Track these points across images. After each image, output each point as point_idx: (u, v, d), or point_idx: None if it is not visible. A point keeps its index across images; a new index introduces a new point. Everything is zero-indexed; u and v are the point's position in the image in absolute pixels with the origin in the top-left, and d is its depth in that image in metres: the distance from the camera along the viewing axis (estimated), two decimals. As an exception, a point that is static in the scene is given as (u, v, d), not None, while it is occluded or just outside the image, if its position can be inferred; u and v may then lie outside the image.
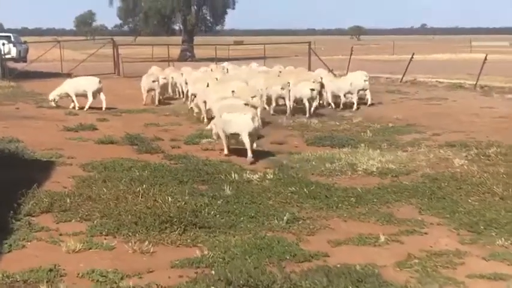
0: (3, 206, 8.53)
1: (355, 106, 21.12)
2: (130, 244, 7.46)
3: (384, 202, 9.56)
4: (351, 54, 35.66)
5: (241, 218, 8.59)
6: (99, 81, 21.09)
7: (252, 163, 12.48)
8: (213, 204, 9.18)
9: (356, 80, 21.69)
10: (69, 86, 21.18)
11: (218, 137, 13.74)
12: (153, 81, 23.27)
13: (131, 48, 61.28)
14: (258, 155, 13.36)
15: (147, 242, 7.54)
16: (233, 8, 67.29)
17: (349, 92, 21.51)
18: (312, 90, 19.25)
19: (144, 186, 10.01)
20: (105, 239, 7.77)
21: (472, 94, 25.58)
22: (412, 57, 31.57)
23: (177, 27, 68.55)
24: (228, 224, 8.31)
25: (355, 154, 12.89)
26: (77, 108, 20.63)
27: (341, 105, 21.39)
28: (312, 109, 19.55)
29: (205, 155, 13.29)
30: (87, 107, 20.60)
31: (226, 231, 8.07)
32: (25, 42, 54.61)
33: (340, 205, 9.37)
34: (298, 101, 19.77)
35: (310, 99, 19.36)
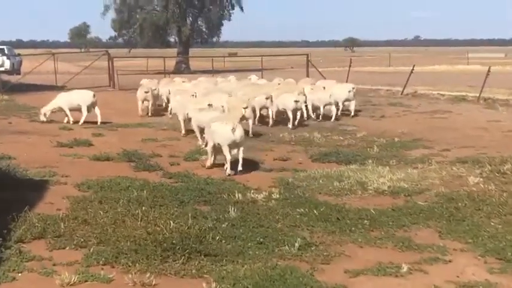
0: (-8, 232, 7.91)
1: (333, 118, 21.09)
2: (130, 276, 6.82)
3: (400, 225, 8.95)
4: (350, 66, 35.08)
5: (249, 244, 7.97)
6: (94, 95, 20.44)
7: (230, 175, 12.28)
8: (217, 228, 8.57)
9: (337, 92, 21.63)
10: (63, 100, 20.50)
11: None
12: (146, 92, 22.78)
13: (126, 61, 60.65)
14: (261, 172, 12.85)
15: (148, 274, 6.91)
16: (229, 20, 66.77)
17: (329, 104, 21.35)
18: (296, 101, 19.32)
19: (143, 208, 9.43)
20: (102, 269, 7.12)
21: (476, 107, 25.00)
22: (412, 70, 31.01)
23: (172, 39, 67.96)
24: (236, 251, 7.69)
25: (363, 171, 12.29)
26: (71, 122, 20.00)
27: (320, 117, 21.34)
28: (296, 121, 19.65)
29: (206, 173, 12.67)
30: (81, 121, 19.97)
31: (234, 259, 7.45)
32: (19, 54, 54.07)
33: (353, 229, 8.75)
34: (282, 112, 20.03)
35: (294, 111, 19.39)
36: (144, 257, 7.33)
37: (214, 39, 68.97)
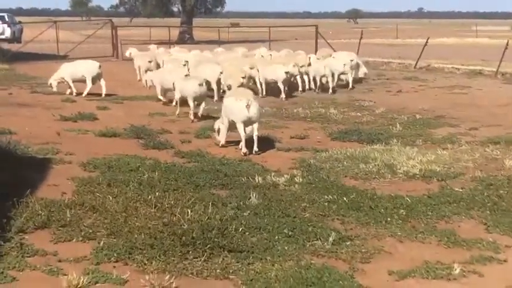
0: (-11, 221, 7.07)
1: (330, 90, 20.64)
2: (147, 277, 5.97)
3: (440, 215, 8.10)
4: (361, 38, 34.05)
5: (276, 237, 7.12)
6: (99, 66, 19.45)
7: (245, 154, 11.50)
8: (239, 217, 7.73)
9: (333, 64, 21.08)
10: (66, 70, 19.51)
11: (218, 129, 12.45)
12: (149, 62, 21.92)
13: (128, 30, 59.37)
14: (278, 151, 12.01)
15: (167, 274, 6.07)
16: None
17: (324, 75, 20.98)
18: (286, 72, 19.14)
19: (157, 192, 8.57)
20: (114, 267, 6.28)
21: (494, 82, 24.09)
22: (426, 42, 30.04)
23: (175, 9, 66.70)
24: (262, 246, 6.84)
25: (390, 152, 11.42)
26: (74, 94, 19.07)
27: (316, 89, 21.12)
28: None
29: (220, 152, 11.82)
30: (85, 93, 19.03)
31: (262, 256, 6.60)
32: (19, 22, 53.01)
33: (389, 219, 7.90)
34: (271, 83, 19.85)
35: (284, 82, 19.28)
36: (161, 253, 6.49)
37: (219, 9, 67.69)
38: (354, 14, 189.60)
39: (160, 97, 17.91)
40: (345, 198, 8.60)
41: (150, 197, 8.35)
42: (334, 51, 29.06)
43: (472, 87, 22.05)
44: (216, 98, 18.09)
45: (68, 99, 18.27)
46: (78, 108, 16.39)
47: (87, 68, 19.35)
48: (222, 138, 12.35)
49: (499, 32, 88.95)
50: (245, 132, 11.73)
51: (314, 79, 21.32)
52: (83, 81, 19.20)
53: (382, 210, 8.21)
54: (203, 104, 15.38)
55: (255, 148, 11.75)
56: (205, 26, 64.30)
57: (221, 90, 18.22)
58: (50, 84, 19.41)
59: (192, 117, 15.13)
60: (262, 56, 24.30)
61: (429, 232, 7.47)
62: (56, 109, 16.13)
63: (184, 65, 19.61)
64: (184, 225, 7.14)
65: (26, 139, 12.02)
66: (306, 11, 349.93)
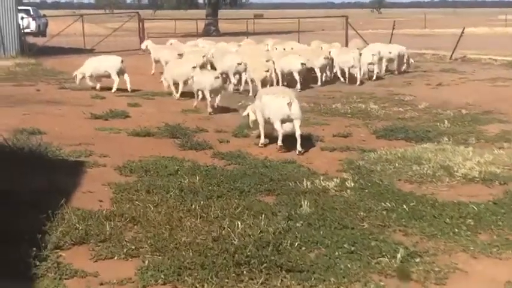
0: (22, 236, 6.45)
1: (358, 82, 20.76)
2: (201, 304, 5.33)
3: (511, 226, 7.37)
4: (393, 28, 33.19)
5: (337, 253, 6.43)
6: (122, 61, 18.88)
7: (281, 148, 11.19)
8: (292, 229, 7.06)
9: (341, 56, 21.37)
10: (90, 65, 18.97)
11: (255, 125, 11.98)
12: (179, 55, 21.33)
13: (152, 22, 58.80)
14: (323, 151, 11.35)
15: (223, 300, 5.42)
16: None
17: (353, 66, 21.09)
18: (303, 64, 19.21)
19: (200, 200, 7.93)
20: (162, 291, 5.65)
21: (539, 74, 23.12)
22: (462, 32, 29.14)
23: (201, 1, 65.93)
24: (323, 265, 6.15)
25: (443, 152, 10.68)
26: (98, 88, 18.53)
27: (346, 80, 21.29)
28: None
29: (261, 152, 11.18)
30: (114, 88, 18.46)
31: (324, 276, 5.92)
32: (44, 15, 52.70)
33: (457, 230, 7.19)
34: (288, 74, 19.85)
35: (300, 73, 19.30)
36: (213, 274, 5.83)
37: (244, 0, 66.84)
38: (378, 4, 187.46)
39: (174, 91, 17.72)
40: (404, 206, 7.89)
41: (193, 205, 7.72)
42: (366, 42, 28.38)
43: (515, 79, 21.14)
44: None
45: (97, 95, 17.69)
46: (109, 105, 15.79)
47: (109, 63, 18.88)
48: (261, 139, 11.77)
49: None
50: (283, 129, 11.21)
51: (342, 70, 21.41)
52: (106, 76, 18.63)
53: (448, 219, 7.49)
54: (219, 96, 15.45)
55: (299, 148, 11.11)
56: (228, 18, 63.55)
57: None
58: (75, 76, 18.99)
59: (209, 109, 15.26)
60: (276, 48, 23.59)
61: (505, 246, 6.75)
62: (86, 107, 15.55)
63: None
64: (235, 240, 6.49)
65: (56, 140, 11.39)
66: (329, 1, 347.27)
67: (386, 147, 11.32)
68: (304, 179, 9.14)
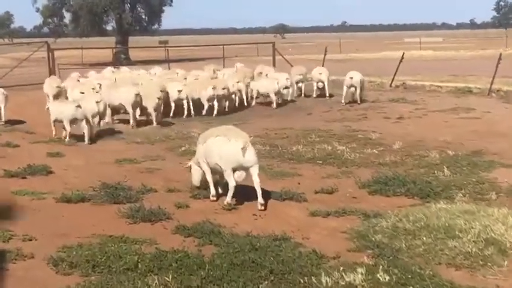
0: None
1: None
2: None
3: None
4: (325, 54, 31.26)
5: None
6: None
7: (229, 205, 9.34)
8: None
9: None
10: None
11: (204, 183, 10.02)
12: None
13: (60, 51, 55.11)
14: (314, 218, 8.92)
15: None
16: (170, 5, 61.91)
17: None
18: (179, 91, 19.12)
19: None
20: None
21: (493, 101, 21.44)
22: (402, 57, 27.40)
23: (109, 28, 62.72)
24: None
25: (472, 216, 8.33)
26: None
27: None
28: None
29: (235, 222, 8.62)
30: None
31: None
32: None
33: None
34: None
35: (177, 101, 19.23)
36: None
37: (155, 27, 63.97)
38: (282, 29, 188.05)
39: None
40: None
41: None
42: (292, 66, 26.57)
43: (476, 109, 19.25)
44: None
45: (8, 143, 14.63)
46: (25, 155, 12.96)
47: None
48: (212, 190, 9.75)
49: (433, 44, 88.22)
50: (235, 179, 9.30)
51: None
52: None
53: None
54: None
55: (260, 200, 9.23)
56: (134, 46, 60.60)
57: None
58: None
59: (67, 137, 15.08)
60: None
61: None
62: (-3, 159, 12.61)
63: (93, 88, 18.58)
64: None
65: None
66: (231, 27, 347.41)
67: (391, 209, 9.00)
68: (315, 269, 6.67)
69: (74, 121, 15.01)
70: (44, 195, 10.01)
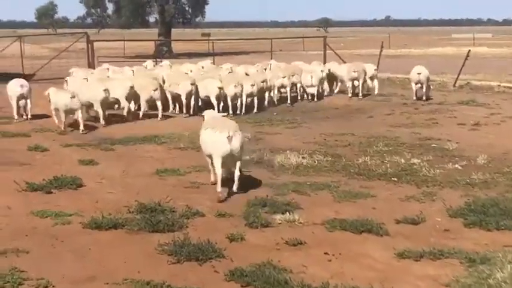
0: None
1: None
2: None
3: None
4: (381, 49, 29.17)
5: None
6: (21, 86, 16.99)
7: (220, 201, 9.17)
8: None
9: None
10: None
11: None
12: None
13: (100, 42, 53.81)
14: (401, 260, 7.05)
15: None
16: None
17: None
18: (220, 88, 17.76)
19: None
20: None
21: None
22: (468, 55, 25.28)
23: (152, 19, 61.36)
24: None
25: None
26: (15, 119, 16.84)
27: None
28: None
29: (305, 263, 6.83)
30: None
31: None
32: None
33: None
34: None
35: (217, 97, 17.87)
36: None
37: (198, 19, 62.39)
38: (325, 23, 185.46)
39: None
40: None
41: None
42: (344, 62, 24.81)
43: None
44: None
45: (37, 146, 13.03)
46: (53, 162, 11.37)
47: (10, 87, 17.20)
48: (218, 187, 9.51)
49: (483, 40, 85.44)
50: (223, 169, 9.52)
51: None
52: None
53: None
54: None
55: (234, 188, 9.58)
56: (176, 39, 59.10)
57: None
58: None
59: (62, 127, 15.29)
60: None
61: None
62: (21, 166, 11.00)
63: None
64: None
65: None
66: (273, 21, 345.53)
67: (497, 248, 7.13)
68: None
69: (69, 111, 15.14)
70: (69, 218, 8.33)
